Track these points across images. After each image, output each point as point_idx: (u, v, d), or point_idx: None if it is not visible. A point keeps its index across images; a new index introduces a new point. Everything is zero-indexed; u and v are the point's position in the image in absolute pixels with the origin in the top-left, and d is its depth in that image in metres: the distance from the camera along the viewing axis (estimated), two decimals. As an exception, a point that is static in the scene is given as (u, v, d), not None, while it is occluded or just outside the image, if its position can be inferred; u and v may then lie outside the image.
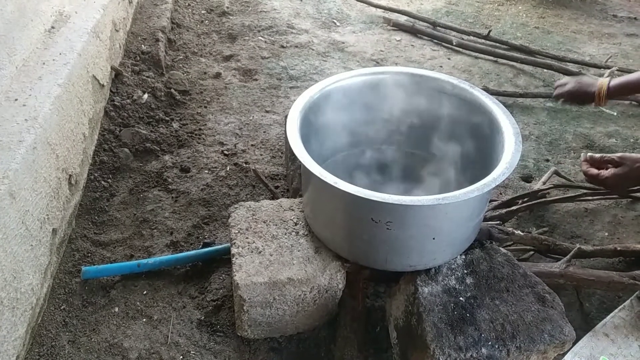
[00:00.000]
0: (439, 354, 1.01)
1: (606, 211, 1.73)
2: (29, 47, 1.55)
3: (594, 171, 1.34)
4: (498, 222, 1.46)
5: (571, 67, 2.53)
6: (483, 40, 2.79)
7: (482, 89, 1.32)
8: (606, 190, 1.58)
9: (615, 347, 1.23)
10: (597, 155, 1.38)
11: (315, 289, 1.17)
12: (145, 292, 1.38)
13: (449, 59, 2.68)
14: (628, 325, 1.28)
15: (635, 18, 3.30)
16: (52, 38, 1.67)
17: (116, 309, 1.33)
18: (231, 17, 2.89)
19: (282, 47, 2.65)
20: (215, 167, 1.81)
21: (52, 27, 1.72)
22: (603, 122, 2.22)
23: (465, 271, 1.16)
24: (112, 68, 2.03)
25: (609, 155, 1.36)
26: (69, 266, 1.43)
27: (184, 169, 1.79)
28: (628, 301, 1.33)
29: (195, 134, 1.97)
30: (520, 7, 3.35)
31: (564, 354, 1.17)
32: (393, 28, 2.95)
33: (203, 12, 2.92)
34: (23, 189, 1.19)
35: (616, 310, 1.31)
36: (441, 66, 2.59)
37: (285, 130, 1.22)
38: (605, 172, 1.31)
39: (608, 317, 1.30)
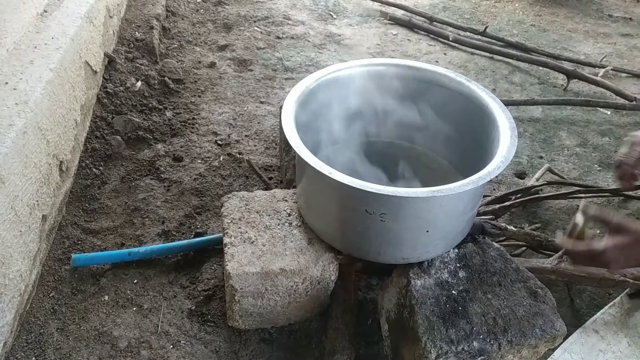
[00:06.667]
0: (430, 347, 1.00)
1: (598, 209, 1.73)
2: (20, 30, 1.52)
3: (583, 245, 0.96)
4: (491, 217, 1.46)
5: (566, 65, 2.53)
6: (479, 37, 2.79)
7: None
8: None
9: (605, 343, 1.24)
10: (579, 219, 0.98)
11: (308, 280, 1.17)
12: (135, 281, 1.36)
13: (445, 54, 2.67)
14: (618, 322, 1.28)
15: (630, 18, 3.31)
16: (45, 22, 1.65)
17: (106, 297, 1.32)
18: (227, 7, 2.86)
19: (278, 38, 2.63)
20: (209, 157, 1.80)
21: (45, 11, 1.69)
22: (597, 121, 2.23)
23: (458, 265, 1.16)
24: (105, 54, 2.00)
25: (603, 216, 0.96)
26: (59, 253, 1.41)
27: (176, 158, 1.77)
28: (618, 298, 1.34)
29: (189, 123, 1.95)
30: (516, 5, 3.35)
31: (554, 349, 1.17)
32: (390, 22, 2.94)
33: (198, 0, 2.89)
34: (12, 174, 1.17)
35: (606, 307, 1.32)
36: (437, 61, 2.58)
37: (280, 121, 1.21)
38: (602, 244, 0.94)
39: (598, 314, 1.30)
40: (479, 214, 1.40)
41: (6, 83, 1.34)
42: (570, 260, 1.02)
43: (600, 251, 0.94)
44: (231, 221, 1.24)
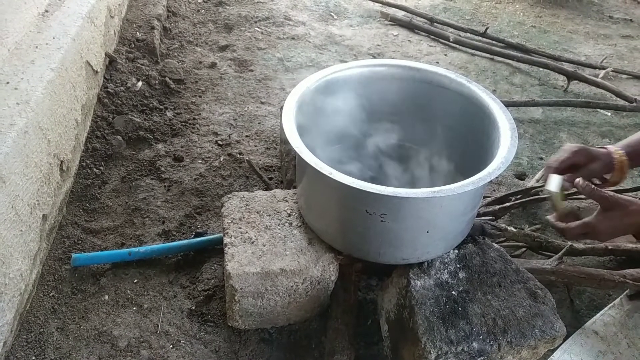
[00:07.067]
0: (430, 347, 1.00)
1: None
2: (21, 30, 1.52)
3: (574, 223, 1.08)
4: (491, 218, 1.46)
5: (567, 66, 2.54)
6: (480, 38, 2.79)
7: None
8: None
9: (605, 344, 1.24)
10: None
11: (308, 280, 1.17)
12: (135, 281, 1.36)
13: (445, 55, 2.68)
14: (617, 323, 1.28)
15: (630, 20, 3.32)
16: (46, 22, 1.65)
17: (106, 297, 1.32)
18: (228, 7, 2.86)
19: (279, 38, 2.64)
20: (209, 157, 1.80)
21: (46, 11, 1.69)
22: (597, 122, 2.23)
23: (458, 265, 1.16)
24: (106, 54, 2.00)
25: (590, 188, 1.06)
26: (59, 253, 1.41)
27: (177, 158, 1.78)
28: (618, 299, 1.34)
29: (189, 124, 1.95)
30: (517, 6, 3.35)
31: (554, 350, 1.17)
32: (390, 23, 2.95)
33: (199, 1, 2.89)
34: (13, 173, 1.18)
35: (606, 308, 1.32)
36: (438, 62, 2.59)
37: (280, 121, 1.21)
38: (593, 219, 1.06)
39: (598, 315, 1.30)
40: (479, 215, 1.40)
41: (7, 83, 1.35)
42: (565, 237, 1.12)
43: (592, 225, 1.06)
44: (231, 221, 1.24)
